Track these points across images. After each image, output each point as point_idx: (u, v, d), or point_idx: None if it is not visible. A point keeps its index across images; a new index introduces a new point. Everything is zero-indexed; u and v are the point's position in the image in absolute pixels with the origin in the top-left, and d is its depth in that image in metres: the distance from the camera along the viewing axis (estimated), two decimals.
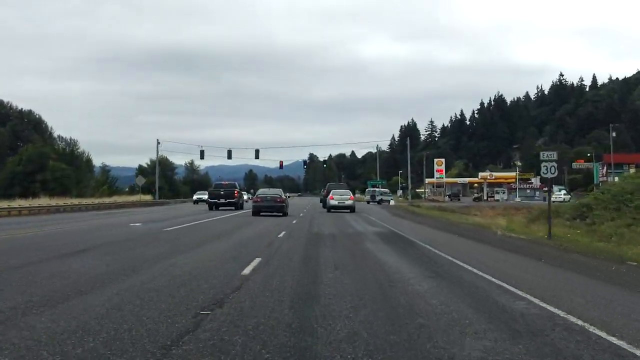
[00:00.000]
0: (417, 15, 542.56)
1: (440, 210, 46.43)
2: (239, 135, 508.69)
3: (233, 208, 45.81)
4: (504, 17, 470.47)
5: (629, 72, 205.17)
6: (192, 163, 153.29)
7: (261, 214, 35.57)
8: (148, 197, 74.14)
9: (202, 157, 75.27)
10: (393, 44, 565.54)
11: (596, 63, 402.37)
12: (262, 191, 40.97)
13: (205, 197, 54.58)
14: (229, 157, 75.49)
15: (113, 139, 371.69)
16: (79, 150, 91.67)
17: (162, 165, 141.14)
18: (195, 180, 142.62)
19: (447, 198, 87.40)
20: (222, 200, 46.02)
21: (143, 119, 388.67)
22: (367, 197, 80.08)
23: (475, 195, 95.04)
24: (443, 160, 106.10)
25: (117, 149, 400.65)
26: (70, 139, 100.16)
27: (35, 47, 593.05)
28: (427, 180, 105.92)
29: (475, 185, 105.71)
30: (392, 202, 66.01)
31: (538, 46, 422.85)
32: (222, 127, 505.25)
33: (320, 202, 58.76)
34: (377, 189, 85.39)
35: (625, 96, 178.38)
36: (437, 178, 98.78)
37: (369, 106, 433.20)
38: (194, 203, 69.18)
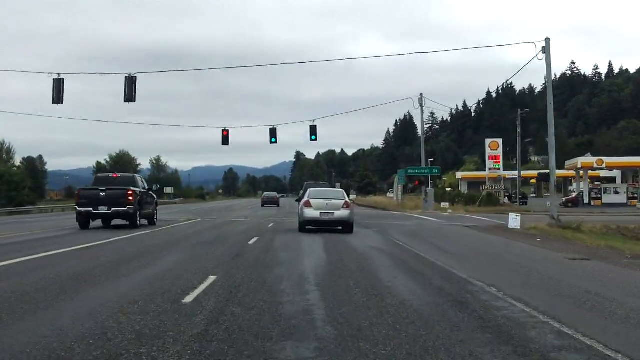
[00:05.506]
0: (409, 13, 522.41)
1: (627, 240, 20.86)
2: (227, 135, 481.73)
3: (127, 223, 24.90)
4: (499, 16, 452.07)
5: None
6: (158, 159, 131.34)
7: (265, 205, 62.78)
8: None
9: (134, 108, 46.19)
10: (384, 43, 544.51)
11: (592, 61, 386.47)
12: (266, 194, 76.83)
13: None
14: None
15: (95, 141, 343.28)
16: None
17: (123, 162, 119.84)
18: (162, 179, 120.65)
19: (506, 199, 59.97)
20: (104, 210, 23.99)
21: (129, 119, 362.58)
22: None
23: (565, 197, 61.88)
24: (500, 140, 70.56)
25: (99, 150, 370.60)
26: None
27: (18, 44, 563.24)
28: (460, 175, 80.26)
29: (532, 181, 79.83)
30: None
31: (532, 45, 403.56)
32: (209, 127, 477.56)
33: (297, 202, 36.07)
34: None
35: None
36: (490, 169, 67.68)
37: (361, 105, 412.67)
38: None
